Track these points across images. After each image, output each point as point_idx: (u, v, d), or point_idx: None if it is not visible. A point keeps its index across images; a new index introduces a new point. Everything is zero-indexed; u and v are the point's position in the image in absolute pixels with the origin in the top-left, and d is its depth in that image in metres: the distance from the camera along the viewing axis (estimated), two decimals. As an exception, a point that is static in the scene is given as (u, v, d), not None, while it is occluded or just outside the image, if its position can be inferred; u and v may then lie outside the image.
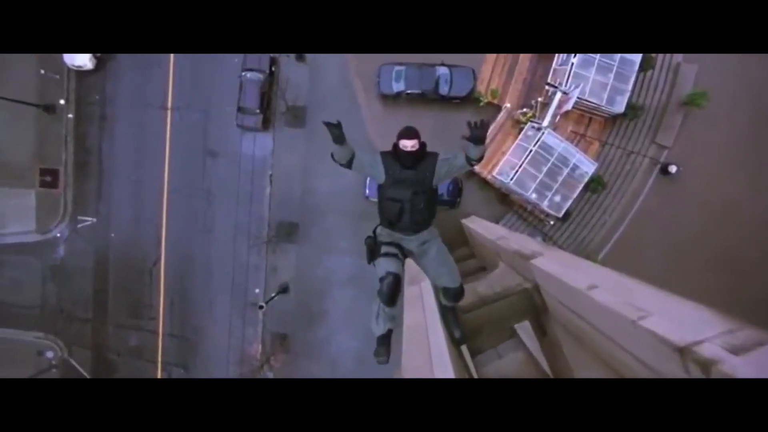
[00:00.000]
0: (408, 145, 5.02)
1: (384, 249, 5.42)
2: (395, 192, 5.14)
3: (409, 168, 5.10)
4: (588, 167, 17.88)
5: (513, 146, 18.14)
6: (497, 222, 20.24)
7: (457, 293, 5.66)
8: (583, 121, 19.32)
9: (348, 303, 21.20)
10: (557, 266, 7.64)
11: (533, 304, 8.81)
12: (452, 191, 19.95)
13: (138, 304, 21.90)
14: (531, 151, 17.58)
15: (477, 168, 19.29)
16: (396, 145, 5.15)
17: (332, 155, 5.20)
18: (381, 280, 5.25)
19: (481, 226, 16.22)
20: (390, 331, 5.60)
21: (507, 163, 18.18)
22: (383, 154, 5.23)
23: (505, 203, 20.26)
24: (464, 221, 19.53)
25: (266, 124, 20.83)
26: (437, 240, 5.62)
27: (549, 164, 17.58)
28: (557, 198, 17.91)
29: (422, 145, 5.16)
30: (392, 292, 5.16)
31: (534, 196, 17.77)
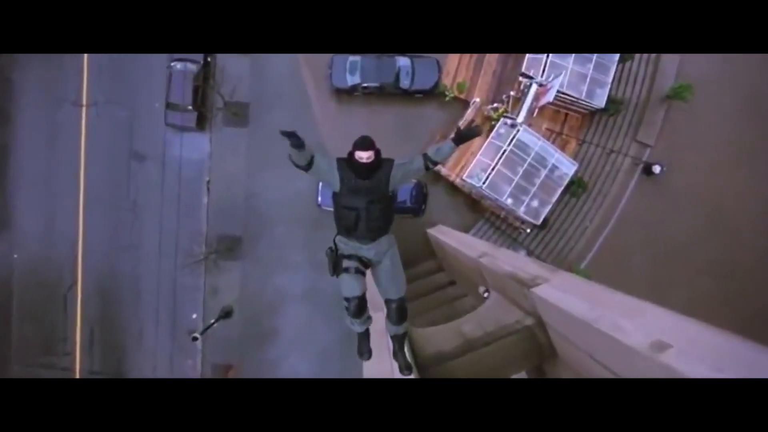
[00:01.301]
0: (363, 156, 4.89)
1: (345, 263, 5.27)
2: (350, 200, 5.07)
3: (364, 178, 5.02)
4: (568, 168, 15.99)
5: (484, 145, 16.05)
6: (467, 231, 18.12)
7: (399, 306, 5.51)
8: (559, 117, 17.50)
9: (301, 320, 18.55)
10: (577, 300, 5.39)
11: (537, 346, 6.53)
12: (416, 197, 17.67)
13: (50, 338, 18.41)
14: (505, 150, 15.54)
15: (444, 171, 17.16)
16: (351, 155, 5.00)
17: (290, 156, 5.01)
18: (346, 300, 5.25)
19: (453, 239, 13.98)
20: (368, 330, 5.64)
21: (478, 165, 16.07)
22: (339, 161, 5.08)
23: (475, 210, 18.14)
24: (430, 231, 17.38)
25: (201, 123, 17.99)
26: (393, 251, 5.45)
27: (525, 165, 15.57)
28: (535, 203, 15.92)
29: (377, 154, 5.00)
30: (359, 311, 5.24)
31: (509, 201, 15.71)
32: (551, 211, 16.65)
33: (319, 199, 17.52)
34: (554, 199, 16.06)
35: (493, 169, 15.53)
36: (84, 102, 17.98)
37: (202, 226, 18.43)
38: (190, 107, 17.29)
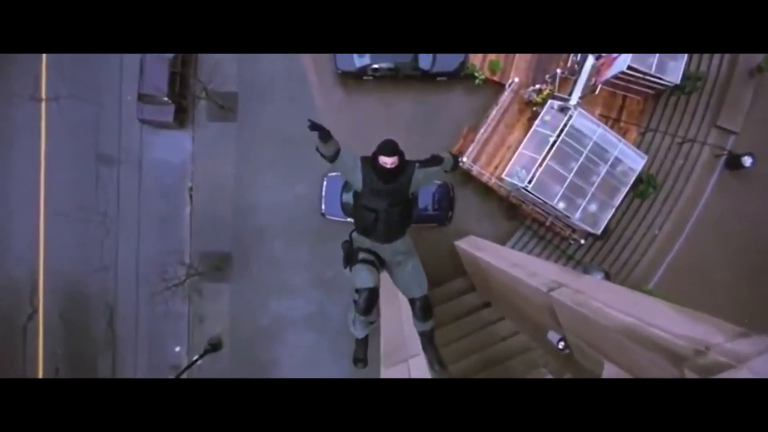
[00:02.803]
0: (388, 162, 4.72)
1: (361, 255, 5.29)
2: (371, 202, 5.00)
3: (386, 183, 4.89)
4: (635, 162, 12.63)
5: (528, 135, 12.81)
6: (504, 243, 14.88)
7: (423, 305, 5.42)
8: (615, 101, 14.17)
9: (304, 351, 15.46)
10: None
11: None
12: (440, 203, 14.52)
13: (6, 377, 15.53)
14: (555, 141, 12.25)
15: (475, 169, 13.97)
16: (375, 158, 4.82)
17: (317, 146, 4.86)
18: (357, 291, 5.11)
19: (496, 256, 10.70)
20: (367, 336, 5.64)
21: (519, 160, 12.84)
22: (363, 160, 4.98)
23: (513, 216, 14.89)
24: (459, 244, 14.24)
25: (181, 118, 15.01)
26: (414, 256, 5.48)
27: (581, 159, 12.26)
28: (593, 207, 12.59)
29: (401, 158, 4.81)
30: (369, 306, 5.07)
31: (561, 205, 12.41)
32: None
33: (323, 206, 14.40)
34: (617, 201, 12.72)
35: (540, 164, 12.26)
36: (43, 96, 15.12)
37: (184, 241, 15.41)
38: (165, 98, 14.30)
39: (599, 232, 12.62)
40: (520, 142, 13.52)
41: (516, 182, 12.50)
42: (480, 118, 14.52)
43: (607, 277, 12.84)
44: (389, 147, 4.70)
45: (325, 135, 4.67)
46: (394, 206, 4.94)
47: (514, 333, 13.92)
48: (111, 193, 15.33)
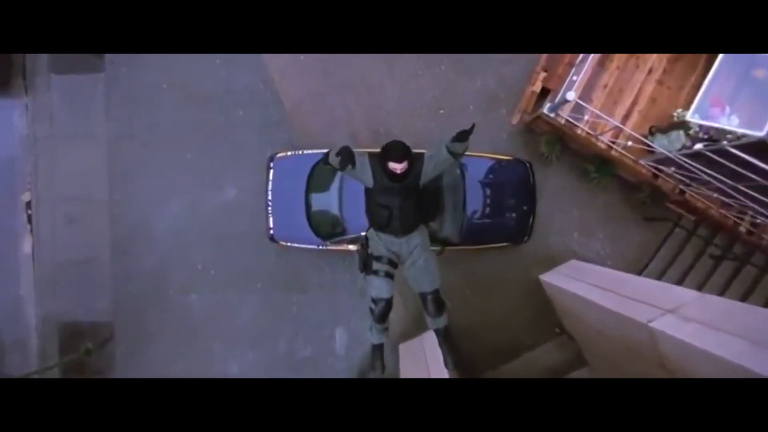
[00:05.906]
0: (397, 168, 4.54)
1: (375, 266, 5.08)
2: (384, 199, 4.84)
3: (396, 182, 4.72)
4: None
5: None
6: (637, 269, 7.55)
7: (435, 299, 5.20)
8: None
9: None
10: None
11: None
12: (507, 202, 7.29)
13: None
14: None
15: (584, 126, 6.57)
16: (384, 162, 4.61)
17: (325, 157, 4.81)
18: (373, 301, 5.15)
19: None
20: (383, 344, 5.53)
21: (713, 90, 5.32)
22: (371, 158, 4.78)
23: (660, 216, 7.50)
24: (548, 279, 7.12)
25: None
26: (424, 242, 5.15)
27: None
28: None
29: (411, 161, 4.59)
30: (384, 315, 5.19)
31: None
32: None
33: (271, 225, 7.03)
34: None
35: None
36: None
37: (23, 304, 8.16)
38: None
39: None
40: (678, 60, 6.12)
41: (725, 127, 5.01)
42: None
43: None
44: (398, 151, 4.46)
45: (352, 161, 4.49)
46: (407, 200, 4.77)
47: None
48: None
